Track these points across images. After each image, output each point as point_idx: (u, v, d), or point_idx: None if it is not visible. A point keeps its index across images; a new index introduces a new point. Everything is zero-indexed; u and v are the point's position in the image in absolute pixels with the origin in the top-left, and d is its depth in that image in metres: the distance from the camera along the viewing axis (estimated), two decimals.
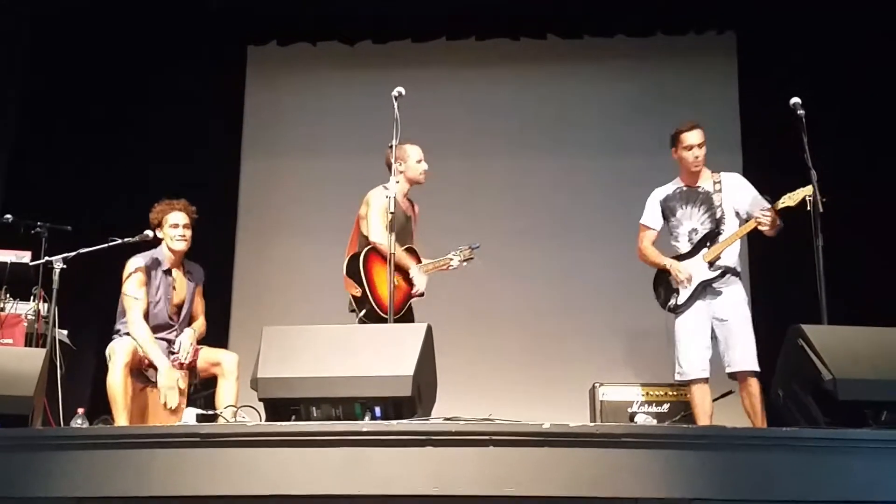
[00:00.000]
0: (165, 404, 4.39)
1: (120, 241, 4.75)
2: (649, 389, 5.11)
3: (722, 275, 4.59)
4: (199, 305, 4.87)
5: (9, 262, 5.11)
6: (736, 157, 6.52)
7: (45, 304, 4.96)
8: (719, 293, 4.59)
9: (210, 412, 3.91)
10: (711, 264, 4.59)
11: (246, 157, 7.15)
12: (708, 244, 4.63)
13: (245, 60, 7.19)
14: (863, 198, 5.80)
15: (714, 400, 4.63)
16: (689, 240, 4.69)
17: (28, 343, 4.99)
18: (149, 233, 4.75)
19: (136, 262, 4.66)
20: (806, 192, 4.23)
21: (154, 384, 4.52)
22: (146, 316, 4.59)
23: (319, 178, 6.98)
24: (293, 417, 3.28)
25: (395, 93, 4.32)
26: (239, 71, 7.13)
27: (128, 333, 4.53)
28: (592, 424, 4.50)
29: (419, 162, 4.81)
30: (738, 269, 4.66)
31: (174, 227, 4.69)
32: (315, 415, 3.27)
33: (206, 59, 6.86)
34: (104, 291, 5.00)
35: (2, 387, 3.37)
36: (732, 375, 4.54)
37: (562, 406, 5.64)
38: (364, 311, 4.55)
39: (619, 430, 3.07)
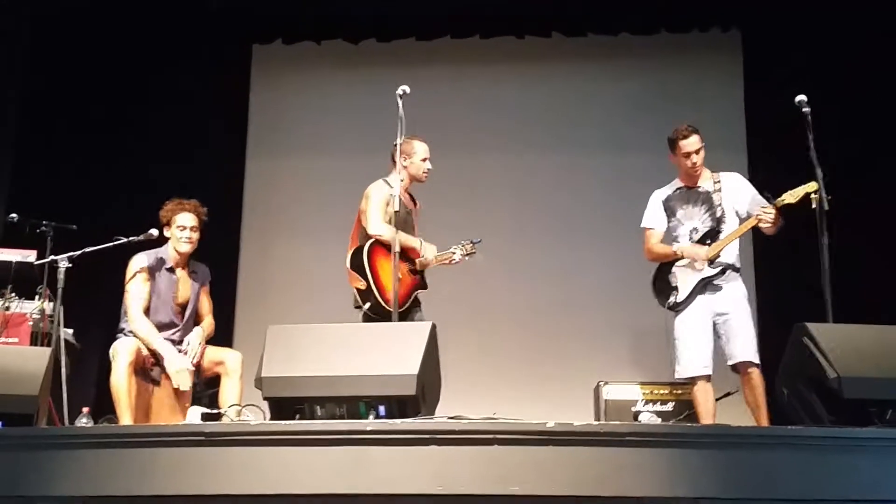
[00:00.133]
0: (178, 389, 4.39)
1: (125, 239, 4.76)
2: (654, 388, 5.10)
3: (722, 272, 4.59)
4: (206, 305, 4.85)
5: (14, 261, 5.12)
6: (740, 154, 6.52)
7: (51, 304, 4.97)
8: (719, 289, 4.59)
9: (214, 411, 3.92)
10: (712, 261, 4.59)
11: (251, 156, 7.16)
12: (708, 242, 4.63)
13: (249, 60, 7.19)
14: (867, 196, 5.79)
15: (716, 400, 4.63)
16: (690, 239, 4.69)
17: (33, 342, 5.00)
18: (154, 231, 4.75)
19: (140, 259, 4.66)
20: (807, 188, 4.24)
21: (158, 383, 4.52)
22: (148, 314, 4.59)
23: (324, 177, 6.98)
24: (297, 416, 3.29)
25: (399, 91, 4.33)
26: (240, 70, 7.13)
27: (131, 332, 4.54)
28: (597, 423, 4.51)
29: (424, 160, 4.82)
30: (738, 266, 4.67)
31: (181, 229, 4.69)
32: (319, 414, 3.27)
33: (206, 59, 6.86)
34: (109, 290, 5.01)
35: (7, 386, 3.39)
36: (734, 369, 4.54)
37: (566, 405, 5.62)
38: (369, 305, 4.55)
39: (624, 428, 3.07)
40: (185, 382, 4.41)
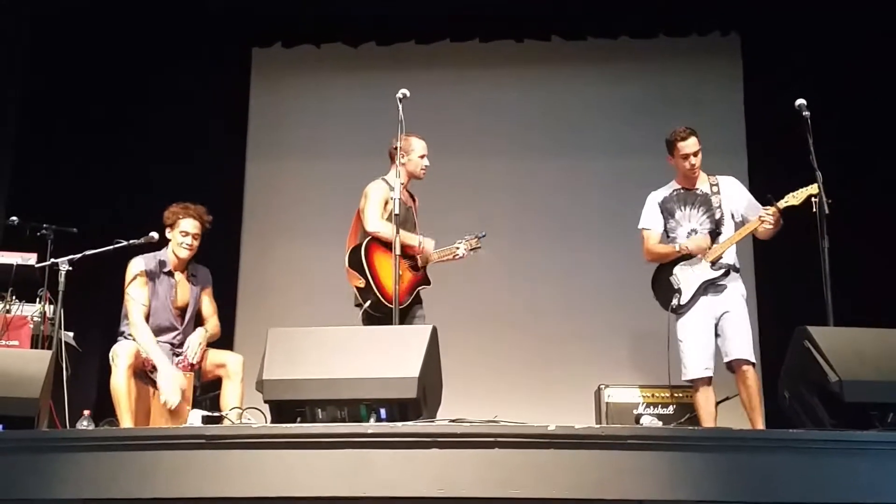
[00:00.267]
0: (165, 404, 4.38)
1: (126, 242, 4.76)
2: (654, 391, 5.11)
3: (725, 273, 4.60)
4: (210, 307, 4.84)
5: (15, 263, 5.11)
6: (740, 157, 6.53)
7: (51, 306, 4.96)
8: (720, 291, 4.60)
9: (215, 414, 3.92)
10: (714, 263, 4.59)
11: (251, 158, 7.16)
12: (710, 244, 4.63)
13: (248, 62, 7.19)
14: (867, 198, 5.80)
15: (717, 403, 4.63)
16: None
17: (34, 345, 4.99)
18: (154, 235, 4.75)
19: (138, 263, 4.66)
20: (810, 191, 4.25)
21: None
22: (148, 318, 4.59)
23: (324, 180, 6.99)
24: (298, 419, 3.28)
25: (399, 94, 4.32)
26: (240, 72, 7.14)
27: (131, 335, 4.54)
28: (598, 426, 4.49)
29: (422, 157, 4.80)
30: (738, 266, 4.68)
31: (184, 235, 4.68)
32: (320, 417, 3.27)
33: (206, 60, 6.87)
34: (110, 293, 5.01)
35: (8, 389, 3.38)
36: (729, 367, 4.54)
37: (567, 408, 5.63)
38: (369, 303, 4.54)
39: (625, 431, 3.08)
40: (172, 400, 4.37)
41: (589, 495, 2.84)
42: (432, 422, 3.22)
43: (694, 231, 4.69)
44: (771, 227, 4.47)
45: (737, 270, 4.67)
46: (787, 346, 3.53)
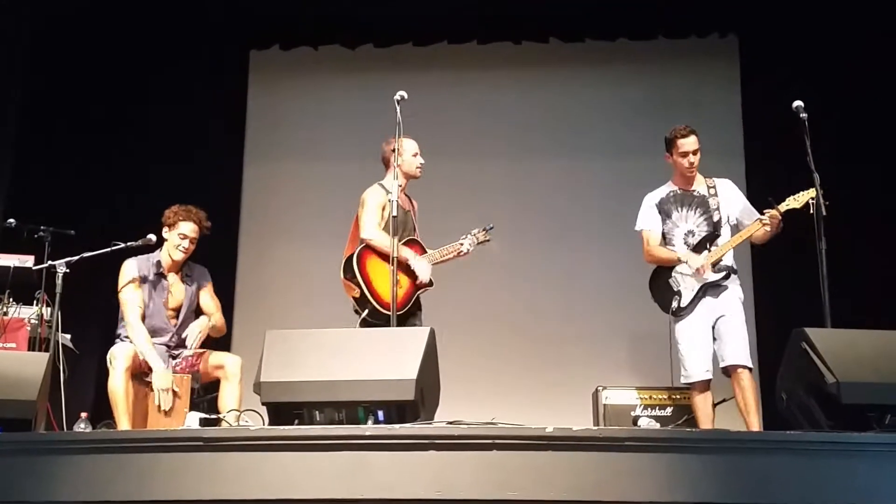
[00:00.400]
0: (159, 406, 4.38)
1: (123, 245, 4.77)
2: (652, 393, 5.10)
3: (726, 276, 4.60)
4: (212, 304, 4.84)
5: (12, 266, 5.11)
6: (738, 159, 6.53)
7: (49, 309, 4.96)
8: (720, 293, 4.60)
9: (213, 416, 3.91)
10: (714, 265, 4.59)
11: (249, 160, 7.16)
12: (707, 246, 4.63)
13: (247, 64, 7.20)
14: (865, 200, 5.81)
15: (714, 405, 4.63)
16: (685, 242, 4.68)
17: (31, 347, 5.00)
18: (152, 237, 4.75)
19: (131, 265, 4.67)
20: (810, 193, 4.24)
21: None
22: (143, 321, 4.59)
23: (322, 182, 6.99)
24: (296, 421, 3.28)
25: (397, 97, 4.30)
26: (240, 73, 7.14)
27: (128, 337, 4.54)
28: (596, 428, 4.48)
29: (415, 156, 4.78)
30: (736, 268, 4.68)
31: (182, 238, 4.68)
32: (318, 419, 3.27)
33: (205, 61, 6.87)
34: (107, 295, 5.00)
35: (5, 391, 3.38)
36: (725, 371, 4.54)
37: (565, 410, 5.63)
38: (367, 311, 4.52)
39: (623, 433, 3.08)
40: (165, 402, 4.38)
41: (587, 497, 2.83)
42: (430, 424, 3.22)
43: (691, 232, 4.68)
44: (770, 230, 4.47)
45: (735, 272, 4.67)
46: (784, 347, 3.53)
